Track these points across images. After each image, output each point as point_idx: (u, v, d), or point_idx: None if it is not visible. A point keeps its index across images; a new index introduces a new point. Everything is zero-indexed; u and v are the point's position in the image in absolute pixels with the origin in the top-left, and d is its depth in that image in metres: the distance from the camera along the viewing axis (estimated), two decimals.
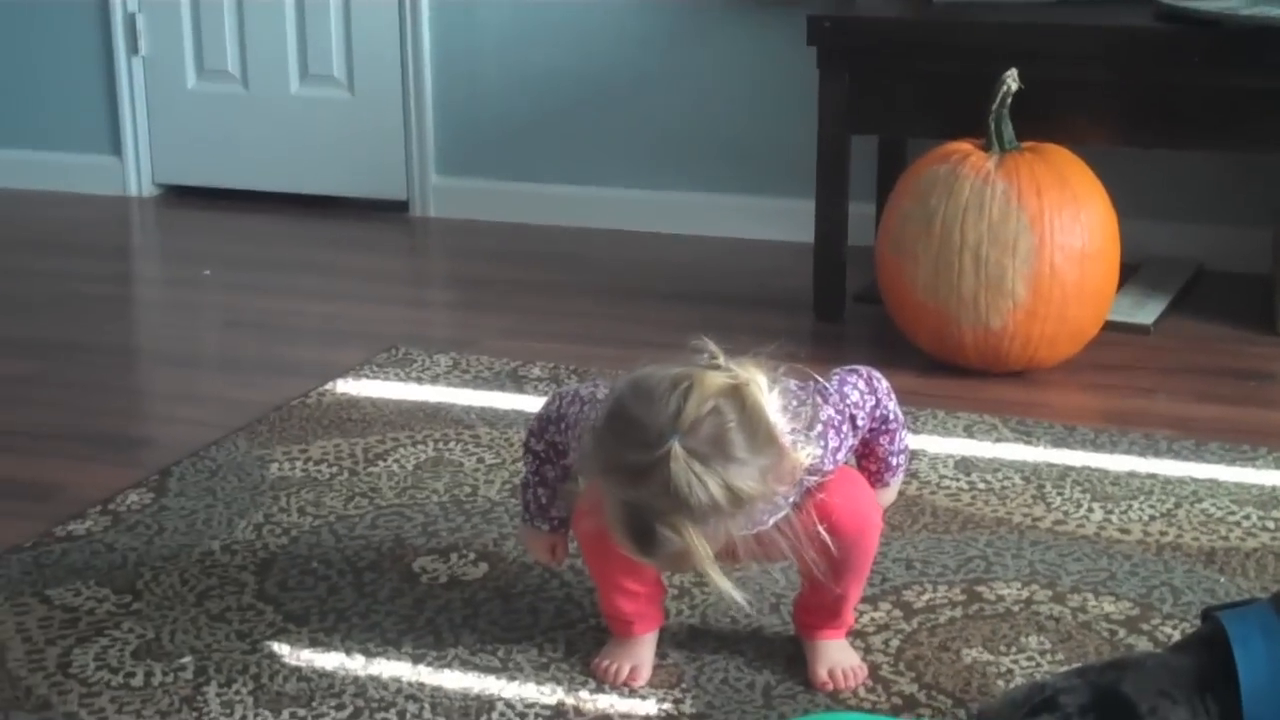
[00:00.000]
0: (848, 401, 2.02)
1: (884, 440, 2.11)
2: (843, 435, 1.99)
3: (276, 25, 4.60)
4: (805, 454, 1.90)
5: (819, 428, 1.94)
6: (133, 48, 4.74)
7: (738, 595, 1.83)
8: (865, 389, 2.04)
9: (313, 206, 4.64)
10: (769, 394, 1.85)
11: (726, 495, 1.77)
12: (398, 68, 4.50)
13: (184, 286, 4.03)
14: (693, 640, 2.19)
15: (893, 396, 2.08)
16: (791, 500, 1.90)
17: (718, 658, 2.15)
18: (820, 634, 2.11)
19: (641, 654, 2.12)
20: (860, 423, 2.03)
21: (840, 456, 1.99)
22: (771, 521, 1.90)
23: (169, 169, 4.83)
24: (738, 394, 1.81)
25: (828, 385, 2.03)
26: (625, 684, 2.09)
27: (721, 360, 1.86)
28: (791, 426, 1.88)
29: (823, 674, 2.08)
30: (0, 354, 3.46)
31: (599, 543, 1.98)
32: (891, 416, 2.09)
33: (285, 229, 4.50)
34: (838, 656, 2.10)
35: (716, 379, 1.82)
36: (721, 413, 1.80)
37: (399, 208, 4.61)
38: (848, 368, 2.08)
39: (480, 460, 2.79)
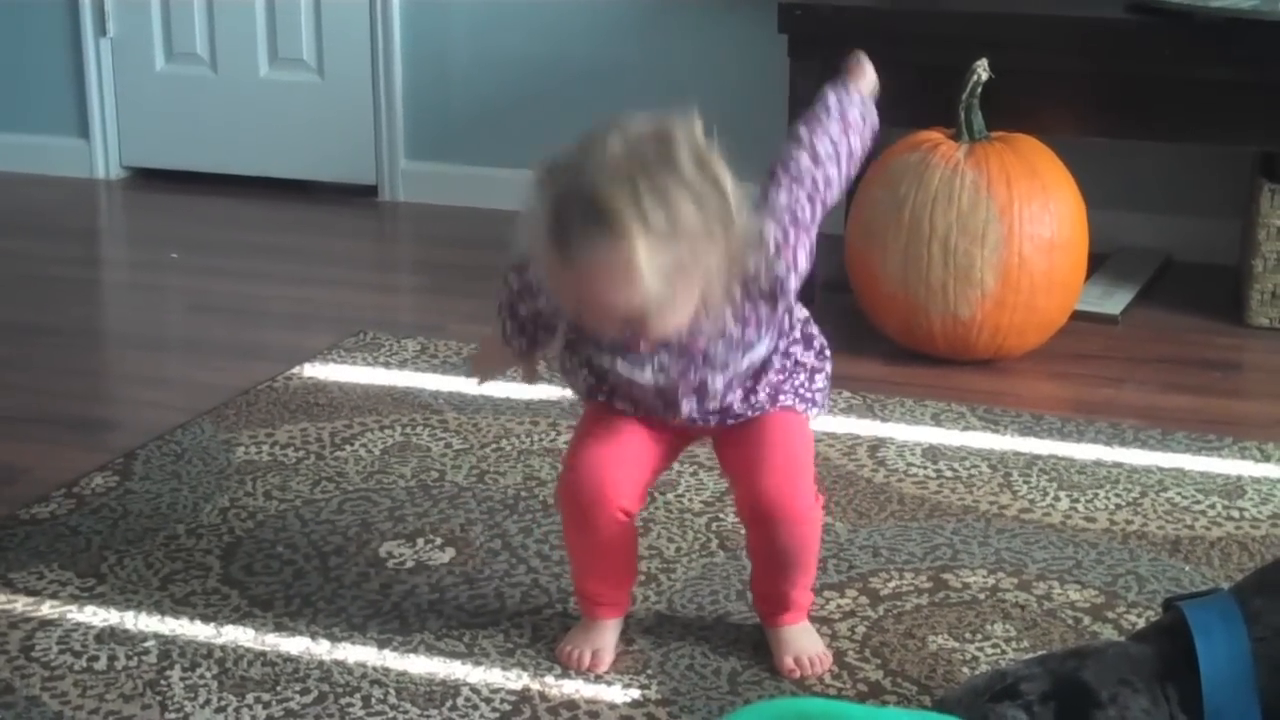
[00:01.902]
0: (778, 208, 1.95)
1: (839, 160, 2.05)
2: (795, 240, 1.92)
3: (246, 8, 4.58)
4: (757, 229, 1.87)
5: (773, 247, 1.90)
6: (101, 29, 4.71)
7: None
8: (786, 182, 1.98)
9: (281, 190, 4.62)
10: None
11: (664, 212, 1.73)
12: (368, 52, 4.48)
13: (151, 269, 4.01)
14: (659, 626, 2.19)
15: (821, 160, 2.02)
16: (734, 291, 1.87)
17: (683, 644, 2.14)
18: (780, 620, 2.11)
19: (604, 639, 2.12)
20: (803, 215, 1.95)
21: (803, 262, 1.93)
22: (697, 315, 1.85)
23: (137, 151, 4.80)
24: (688, 130, 1.80)
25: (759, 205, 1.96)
26: (588, 670, 2.09)
27: None
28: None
29: (789, 661, 2.08)
30: None
31: (578, 514, 2.02)
32: (828, 178, 2.01)
33: (253, 212, 4.48)
34: (803, 643, 2.10)
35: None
36: (669, 133, 1.78)
37: (368, 192, 4.59)
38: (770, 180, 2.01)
39: (448, 445, 2.79)
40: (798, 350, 2.06)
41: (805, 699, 1.98)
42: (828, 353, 2.12)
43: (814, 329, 2.11)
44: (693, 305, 1.83)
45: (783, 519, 2.00)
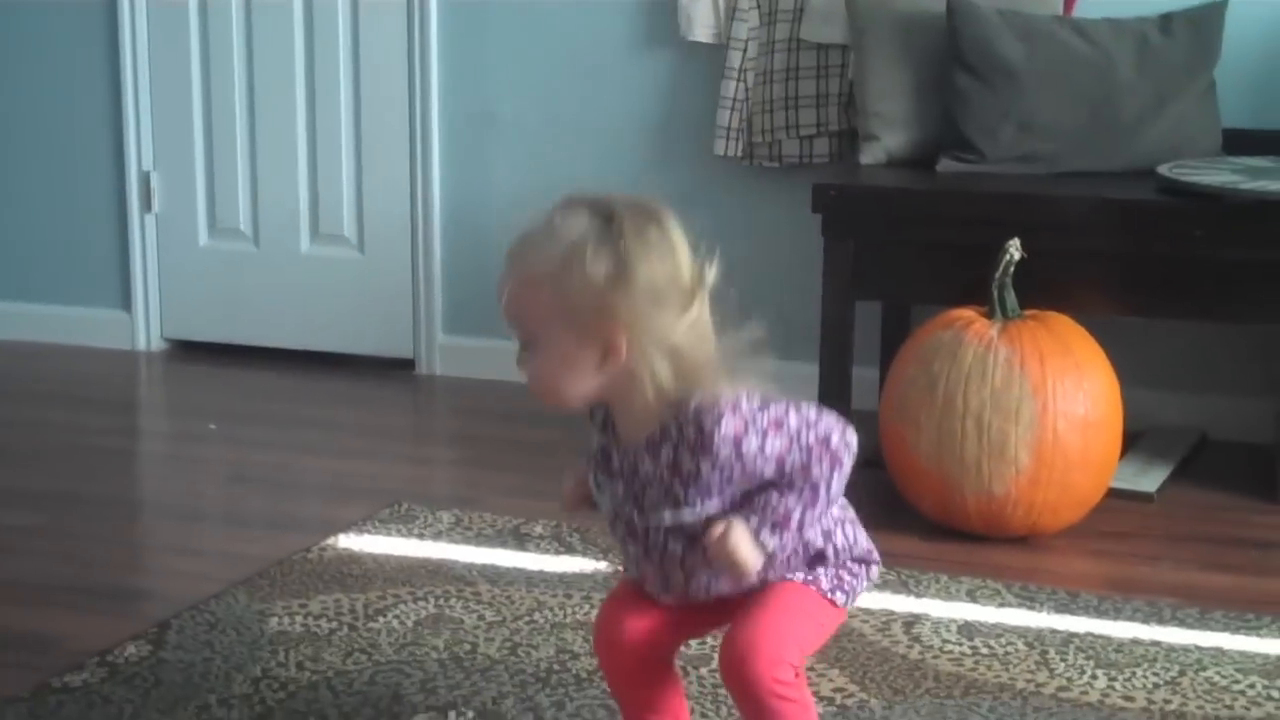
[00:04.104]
0: (809, 422, 1.93)
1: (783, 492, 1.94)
2: (792, 442, 1.92)
3: (289, 184, 4.67)
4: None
5: (763, 420, 1.89)
6: (146, 205, 4.80)
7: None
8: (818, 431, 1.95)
9: (319, 363, 4.67)
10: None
11: (614, 262, 1.85)
12: (408, 229, 4.56)
13: (189, 441, 4.04)
14: None
15: (835, 470, 1.94)
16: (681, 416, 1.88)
17: None
18: None
19: None
20: (804, 439, 1.92)
21: (767, 460, 1.90)
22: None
23: (178, 324, 4.87)
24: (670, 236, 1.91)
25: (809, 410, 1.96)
26: None
27: None
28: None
29: None
30: (5, 504, 3.46)
31: (611, 660, 2.10)
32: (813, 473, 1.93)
33: (291, 385, 4.52)
34: None
35: None
36: (649, 219, 1.92)
37: (405, 365, 4.63)
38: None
39: (481, 618, 2.78)
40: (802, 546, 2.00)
41: None
42: (850, 566, 2.05)
43: (841, 539, 2.04)
44: (583, 374, 1.88)
45: (739, 683, 1.92)
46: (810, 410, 1.94)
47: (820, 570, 2.02)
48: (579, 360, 1.87)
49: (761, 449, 1.89)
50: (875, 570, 2.08)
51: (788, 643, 1.95)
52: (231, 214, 4.75)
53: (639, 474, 1.95)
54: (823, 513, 1.96)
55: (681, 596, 2.03)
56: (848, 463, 1.95)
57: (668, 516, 1.94)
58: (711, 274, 1.91)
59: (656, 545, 1.99)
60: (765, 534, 1.92)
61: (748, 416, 1.88)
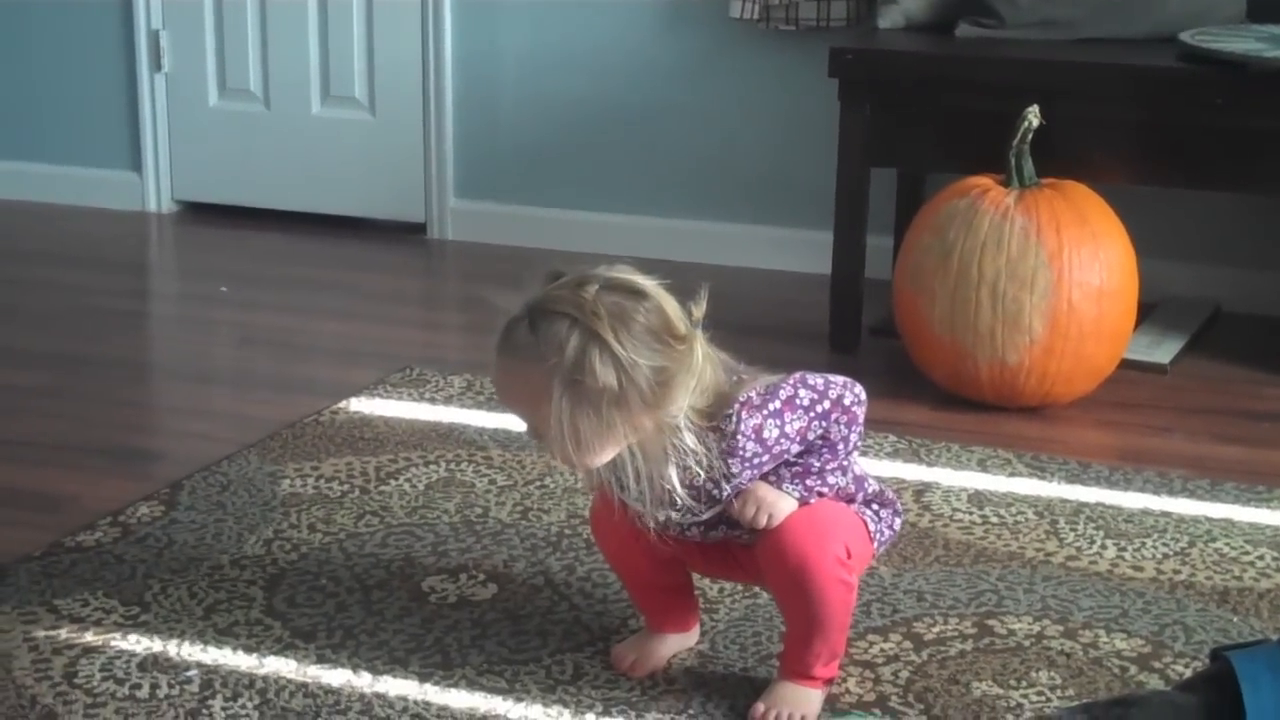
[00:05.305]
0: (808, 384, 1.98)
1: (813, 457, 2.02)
2: (809, 416, 1.97)
3: (299, 45, 4.61)
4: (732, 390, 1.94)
5: (776, 404, 1.95)
6: (156, 64, 4.75)
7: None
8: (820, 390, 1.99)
9: (331, 226, 4.64)
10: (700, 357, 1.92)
11: (616, 367, 1.84)
12: (419, 91, 4.51)
13: (200, 302, 4.03)
14: (701, 666, 2.18)
15: (851, 427, 2.00)
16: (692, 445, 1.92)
17: (725, 684, 2.14)
18: (783, 674, 2.09)
19: (650, 649, 2.17)
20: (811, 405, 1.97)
21: (791, 440, 1.97)
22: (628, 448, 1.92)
23: (189, 186, 4.84)
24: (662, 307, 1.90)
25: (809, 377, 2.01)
26: (624, 672, 2.15)
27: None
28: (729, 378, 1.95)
29: (759, 707, 2.06)
30: (16, 365, 3.47)
31: (608, 535, 2.13)
32: (834, 436, 2.00)
33: (303, 248, 4.50)
34: (786, 699, 2.06)
35: None
36: (637, 301, 1.89)
37: (417, 230, 4.61)
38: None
39: (492, 482, 2.79)
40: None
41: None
42: (877, 509, 2.10)
43: (867, 497, 2.10)
44: (604, 454, 1.91)
45: (798, 565, 1.98)
46: (815, 379, 1.99)
47: (850, 505, 2.09)
48: (600, 446, 1.90)
49: (783, 433, 1.95)
50: (899, 522, 2.14)
51: (835, 529, 2.02)
52: (242, 74, 4.70)
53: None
54: (843, 464, 2.03)
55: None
56: (861, 414, 2.01)
57: (706, 513, 2.01)
58: (700, 311, 1.94)
59: (680, 526, 2.04)
60: (788, 485, 2.00)
61: (761, 408, 1.94)
